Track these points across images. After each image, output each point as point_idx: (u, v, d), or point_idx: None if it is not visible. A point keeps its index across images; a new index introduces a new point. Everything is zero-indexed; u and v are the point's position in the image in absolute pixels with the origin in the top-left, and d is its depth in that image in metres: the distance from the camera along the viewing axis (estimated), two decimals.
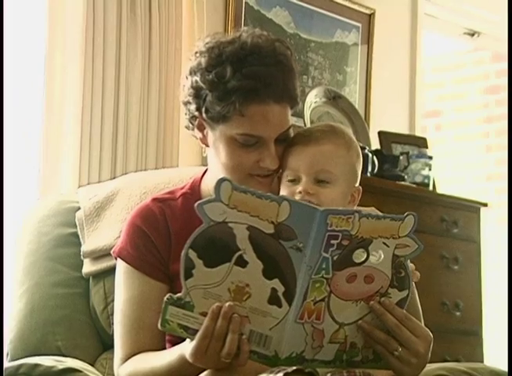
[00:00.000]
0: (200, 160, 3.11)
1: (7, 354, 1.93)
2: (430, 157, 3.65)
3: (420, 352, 1.49)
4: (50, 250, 2.02)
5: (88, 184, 2.71)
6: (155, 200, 1.77)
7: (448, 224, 3.55)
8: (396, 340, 1.47)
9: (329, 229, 1.38)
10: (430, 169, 3.62)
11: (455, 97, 5.48)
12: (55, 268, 2.00)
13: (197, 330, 1.43)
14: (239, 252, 1.40)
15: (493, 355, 4.10)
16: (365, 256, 1.42)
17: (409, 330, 1.48)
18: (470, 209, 3.66)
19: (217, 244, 1.39)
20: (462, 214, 3.61)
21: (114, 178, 2.68)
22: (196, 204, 1.38)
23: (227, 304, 1.41)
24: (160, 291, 1.68)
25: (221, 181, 1.38)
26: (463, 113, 5.44)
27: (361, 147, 1.71)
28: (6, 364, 1.67)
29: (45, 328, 1.93)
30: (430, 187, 3.63)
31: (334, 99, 3.57)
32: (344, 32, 3.87)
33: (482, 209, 3.71)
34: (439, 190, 3.73)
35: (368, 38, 3.95)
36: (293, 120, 1.69)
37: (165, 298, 1.43)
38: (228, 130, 1.63)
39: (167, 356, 1.58)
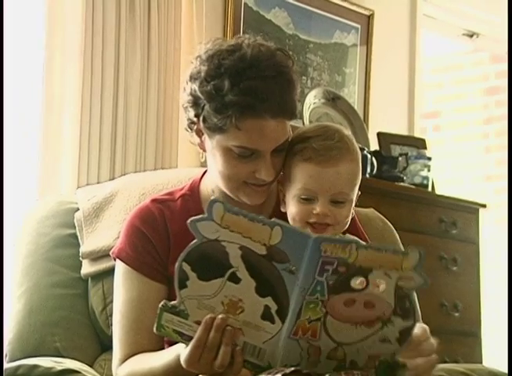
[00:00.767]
0: (199, 162, 3.11)
1: (5, 355, 1.93)
2: (429, 158, 3.65)
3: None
4: (49, 251, 2.02)
5: (87, 185, 2.71)
6: (154, 201, 1.77)
7: (446, 225, 3.55)
8: None
9: (323, 255, 1.36)
10: (429, 170, 3.62)
11: (454, 98, 5.48)
12: (54, 269, 2.00)
13: (192, 337, 1.43)
14: (232, 269, 1.40)
15: (492, 356, 4.09)
16: (364, 284, 1.39)
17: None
18: (469, 210, 3.67)
19: (210, 259, 1.39)
20: (461, 215, 3.61)
21: (113, 179, 2.68)
22: (188, 221, 1.38)
23: (220, 316, 1.41)
24: (158, 292, 1.69)
25: (213, 202, 1.37)
26: (462, 114, 5.44)
27: (360, 148, 1.70)
28: (5, 365, 1.67)
29: (43, 329, 1.93)
30: (429, 188, 3.63)
31: (333, 100, 3.57)
32: (343, 33, 3.87)
33: (481, 210, 3.71)
34: (438, 191, 3.73)
35: (367, 39, 3.95)
36: (292, 121, 1.68)
37: (160, 305, 1.43)
38: (224, 141, 1.63)
39: (165, 356, 1.58)
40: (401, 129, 4.06)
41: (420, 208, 3.49)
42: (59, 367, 1.61)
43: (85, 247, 2.00)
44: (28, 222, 2.09)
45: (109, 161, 2.98)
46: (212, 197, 1.41)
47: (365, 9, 3.94)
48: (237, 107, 1.58)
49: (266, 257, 1.38)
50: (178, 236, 1.70)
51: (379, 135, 3.75)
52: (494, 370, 1.77)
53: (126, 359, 1.68)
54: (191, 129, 1.70)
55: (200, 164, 3.04)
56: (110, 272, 1.93)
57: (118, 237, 1.91)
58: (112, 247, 1.84)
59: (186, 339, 1.44)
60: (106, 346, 1.96)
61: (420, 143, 3.86)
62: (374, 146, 3.64)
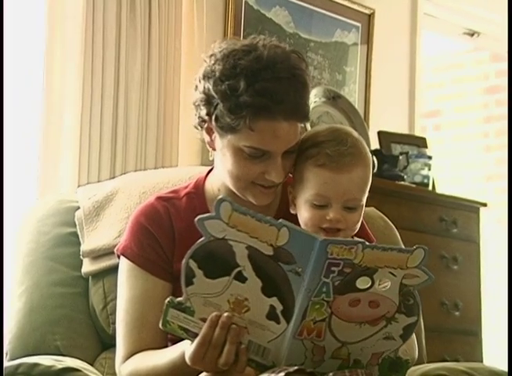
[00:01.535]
0: (200, 160, 3.11)
1: (6, 354, 1.93)
2: (430, 157, 3.65)
3: None
4: (49, 249, 2.02)
5: (88, 184, 2.70)
6: (159, 198, 1.77)
7: (447, 224, 3.55)
8: None
9: (329, 257, 1.37)
10: (429, 169, 3.62)
11: (454, 97, 5.48)
12: (55, 267, 2.00)
13: (197, 334, 1.44)
14: (239, 268, 1.40)
15: (492, 355, 4.10)
16: (369, 283, 1.40)
17: None
18: (470, 209, 3.67)
19: (217, 258, 1.40)
20: (461, 214, 3.61)
21: (114, 177, 2.68)
22: (196, 219, 1.38)
23: (225, 314, 1.42)
24: (163, 289, 1.69)
25: (220, 201, 1.37)
26: (463, 113, 5.44)
27: None
28: (5, 364, 1.67)
29: (44, 328, 1.93)
30: (430, 187, 3.63)
31: (334, 98, 3.57)
32: (343, 32, 3.87)
33: (481, 209, 3.71)
34: (438, 190, 3.73)
35: (367, 38, 3.95)
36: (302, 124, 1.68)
37: (166, 301, 1.44)
38: (236, 141, 1.63)
39: (169, 354, 1.59)
40: (401, 128, 4.06)
41: (420, 207, 3.49)
42: (59, 366, 1.61)
43: (86, 245, 2.00)
44: (29, 221, 2.09)
45: (109, 160, 2.98)
46: (220, 196, 1.41)
47: (366, 7, 3.94)
48: (251, 108, 1.58)
49: (273, 257, 1.39)
50: (183, 234, 1.71)
51: (379, 133, 3.75)
52: (494, 368, 1.77)
53: (129, 357, 1.68)
54: (201, 127, 1.70)
55: (201, 163, 3.06)
56: (111, 270, 1.93)
57: (119, 236, 1.91)
58: (113, 245, 1.84)
59: (191, 336, 1.44)
60: (106, 345, 1.96)
61: (421, 142, 3.86)
62: (375, 144, 3.65)
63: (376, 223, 2.13)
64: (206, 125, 1.68)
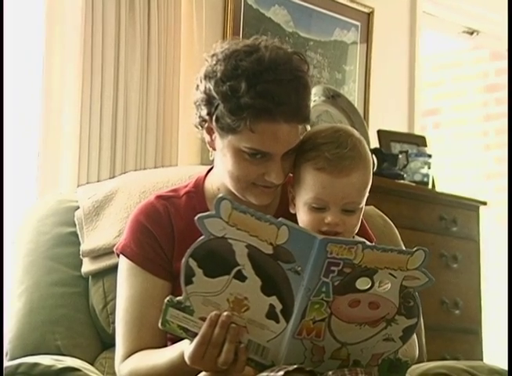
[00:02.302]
0: (199, 160, 3.11)
1: (6, 353, 1.93)
2: (430, 156, 3.65)
3: None
4: (49, 249, 2.02)
5: (87, 183, 2.71)
6: (159, 197, 1.77)
7: (447, 222, 3.55)
8: None
9: (329, 256, 1.37)
10: (429, 168, 3.62)
11: (454, 95, 5.48)
12: (55, 267, 2.00)
13: (197, 333, 1.44)
14: (239, 267, 1.40)
15: (492, 353, 4.10)
16: (369, 284, 1.40)
17: None
18: (469, 207, 3.67)
19: (216, 256, 1.40)
20: (461, 212, 3.61)
21: (113, 177, 2.68)
22: (196, 218, 1.38)
23: (225, 313, 1.42)
24: (162, 288, 1.69)
25: (220, 199, 1.37)
26: (462, 112, 5.44)
27: None
28: (5, 363, 1.67)
29: (44, 327, 1.93)
30: (430, 186, 3.63)
31: (333, 97, 3.57)
32: (343, 31, 3.87)
33: (481, 207, 3.72)
34: (438, 189, 3.73)
35: (367, 37, 3.95)
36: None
37: (166, 300, 1.44)
38: (236, 142, 1.63)
39: (169, 353, 1.59)
40: (401, 127, 4.06)
41: (420, 206, 3.49)
42: (59, 365, 1.61)
43: (86, 245, 2.00)
44: (28, 221, 2.09)
45: (109, 160, 2.98)
46: (220, 195, 1.40)
47: (365, 6, 3.94)
48: (252, 110, 1.58)
49: (272, 256, 1.39)
50: (182, 233, 1.71)
51: (379, 132, 3.76)
52: (494, 367, 1.77)
53: (129, 356, 1.68)
54: (201, 127, 1.70)
55: (200, 162, 3.06)
56: (111, 270, 1.93)
57: (119, 235, 1.91)
58: (112, 245, 1.84)
59: (191, 335, 1.44)
60: (106, 344, 1.96)
61: (420, 141, 3.86)
62: (374, 143, 3.65)
63: (376, 222, 2.13)
64: (206, 125, 1.68)
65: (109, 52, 2.99)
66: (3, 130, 2.31)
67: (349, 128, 1.70)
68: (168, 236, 1.72)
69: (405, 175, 3.54)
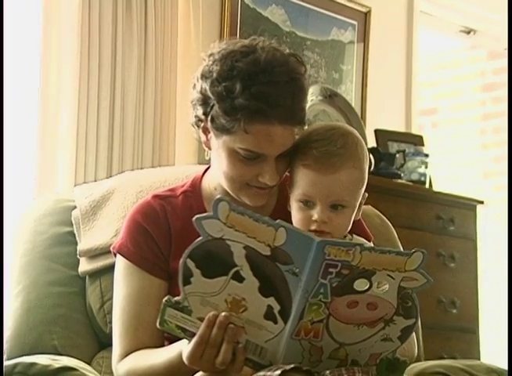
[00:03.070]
0: (197, 159, 3.11)
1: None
2: (427, 155, 3.66)
3: None
4: (46, 249, 2.02)
5: (84, 183, 2.70)
6: (156, 197, 1.77)
7: (444, 222, 3.55)
8: None
9: (327, 258, 1.37)
10: (426, 167, 3.62)
11: (451, 95, 5.48)
12: (52, 267, 2.00)
13: (195, 333, 1.44)
14: (236, 268, 1.40)
15: (490, 352, 4.10)
16: (367, 286, 1.40)
17: None
18: (467, 207, 3.67)
19: (214, 257, 1.40)
20: (458, 211, 3.62)
21: (110, 176, 2.68)
22: (194, 219, 1.38)
23: (223, 314, 1.42)
24: (159, 287, 1.70)
25: (218, 201, 1.37)
26: (460, 111, 5.44)
27: None
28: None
29: (41, 327, 1.93)
30: (427, 185, 3.63)
31: (330, 97, 3.57)
32: (340, 30, 3.87)
33: (478, 207, 3.72)
34: (435, 188, 3.73)
35: (364, 36, 3.95)
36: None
37: (164, 300, 1.44)
38: (231, 142, 1.63)
39: (166, 353, 1.59)
40: (398, 126, 4.06)
41: (417, 205, 3.49)
42: (56, 365, 1.61)
43: (83, 245, 2.00)
44: (25, 221, 2.09)
45: (106, 159, 2.98)
46: (218, 196, 1.40)
47: (362, 5, 3.94)
48: (247, 111, 1.58)
49: (270, 258, 1.39)
50: (179, 233, 1.71)
51: (376, 132, 3.76)
52: (492, 366, 1.77)
53: (126, 355, 1.68)
54: (198, 126, 1.70)
55: (198, 162, 3.06)
56: (108, 270, 1.93)
57: (116, 235, 1.91)
58: (109, 244, 1.84)
59: (189, 335, 1.44)
60: (103, 344, 1.96)
61: (418, 140, 3.86)
62: (372, 143, 3.65)
63: (373, 221, 2.13)
64: (202, 125, 1.68)
65: (106, 51, 2.99)
66: (3, 130, 2.30)
67: (348, 127, 1.69)
68: (165, 236, 1.72)
69: (402, 175, 3.54)
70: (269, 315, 1.42)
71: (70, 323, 1.96)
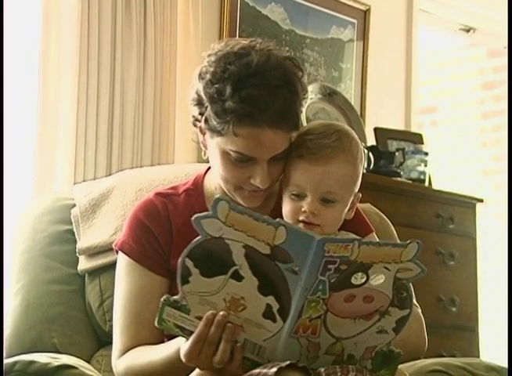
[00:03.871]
0: (196, 158, 3.11)
1: None
2: (426, 153, 3.66)
3: None
4: (46, 247, 2.02)
5: (84, 181, 2.71)
6: (158, 194, 1.77)
7: (444, 220, 3.55)
8: None
9: (326, 255, 1.37)
10: (425, 165, 3.62)
11: (450, 93, 5.47)
12: (51, 265, 2.00)
13: (193, 332, 1.44)
14: (235, 267, 1.40)
15: (489, 350, 4.10)
16: (364, 279, 1.40)
17: None
18: (466, 205, 3.67)
19: (213, 256, 1.40)
20: (458, 210, 3.62)
21: (110, 175, 2.68)
22: (193, 218, 1.38)
23: (221, 312, 1.42)
24: (160, 285, 1.70)
25: (218, 200, 1.37)
26: (459, 109, 5.44)
27: None
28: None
29: (40, 325, 1.93)
30: (426, 183, 3.63)
31: (330, 95, 3.57)
32: (339, 28, 3.87)
33: (478, 205, 3.72)
34: (435, 186, 3.73)
35: (363, 35, 3.95)
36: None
37: (162, 299, 1.44)
38: (223, 144, 1.63)
39: (165, 350, 1.59)
40: (398, 124, 4.06)
41: (417, 203, 3.49)
42: (55, 363, 1.61)
43: (82, 243, 2.00)
44: (25, 219, 2.09)
45: (105, 157, 2.98)
46: (217, 195, 1.40)
47: (362, 4, 3.94)
48: (235, 114, 1.58)
49: (270, 256, 1.39)
50: (181, 231, 1.71)
51: (376, 130, 3.76)
52: (491, 364, 1.77)
53: (126, 352, 1.68)
54: (195, 126, 1.71)
55: (197, 160, 3.06)
56: (107, 268, 1.93)
57: (115, 233, 1.92)
58: (109, 243, 1.84)
59: (187, 334, 1.45)
60: (103, 342, 1.97)
61: (417, 138, 3.86)
62: (371, 141, 3.65)
63: (373, 219, 2.12)
64: (199, 125, 1.69)
65: (106, 50, 2.99)
66: (3, 129, 2.30)
67: (346, 126, 1.70)
68: (167, 234, 1.73)
69: (401, 173, 3.54)
70: (268, 314, 1.42)
71: (70, 322, 1.96)
